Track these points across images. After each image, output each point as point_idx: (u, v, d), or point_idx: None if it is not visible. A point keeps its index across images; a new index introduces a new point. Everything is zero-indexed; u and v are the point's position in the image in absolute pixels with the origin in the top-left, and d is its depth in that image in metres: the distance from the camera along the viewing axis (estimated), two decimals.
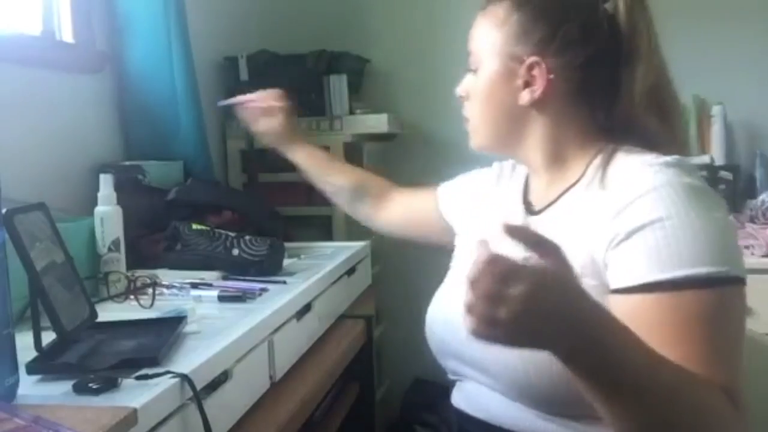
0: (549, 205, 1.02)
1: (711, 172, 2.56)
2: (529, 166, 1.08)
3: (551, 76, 0.98)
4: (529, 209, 1.06)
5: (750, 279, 0.85)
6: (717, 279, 0.81)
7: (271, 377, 1.14)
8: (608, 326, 0.73)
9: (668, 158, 0.91)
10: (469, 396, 1.02)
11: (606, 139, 0.99)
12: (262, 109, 1.49)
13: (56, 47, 1.70)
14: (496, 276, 0.66)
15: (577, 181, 0.99)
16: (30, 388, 0.79)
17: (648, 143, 0.96)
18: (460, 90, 1.08)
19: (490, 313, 0.66)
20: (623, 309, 0.81)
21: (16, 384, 0.76)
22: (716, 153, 2.64)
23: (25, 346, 0.82)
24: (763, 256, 2.17)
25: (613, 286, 0.86)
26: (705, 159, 2.62)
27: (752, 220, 2.29)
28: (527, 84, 1.00)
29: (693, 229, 0.83)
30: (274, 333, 1.16)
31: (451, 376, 1.07)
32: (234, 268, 1.41)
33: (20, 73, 1.51)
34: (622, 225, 0.86)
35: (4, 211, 0.81)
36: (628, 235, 0.85)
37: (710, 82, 2.70)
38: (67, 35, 1.74)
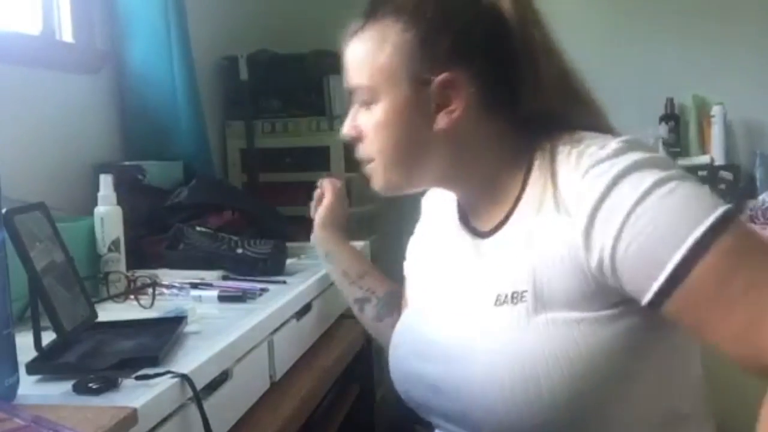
0: (497, 228, 0.92)
1: (711, 172, 2.56)
2: (458, 193, 1.00)
3: (470, 90, 0.88)
4: (476, 233, 0.97)
5: None
6: (721, 220, 0.76)
7: (271, 377, 1.14)
8: None
9: (606, 146, 0.83)
10: None
11: (531, 141, 0.91)
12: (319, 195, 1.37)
13: (56, 47, 1.70)
14: None
15: (520, 196, 0.90)
16: (30, 388, 0.79)
17: (568, 126, 0.89)
18: (351, 130, 0.95)
19: None
20: (677, 311, 0.77)
21: (16, 384, 0.76)
22: (716, 153, 2.64)
23: (25, 346, 0.82)
24: None
25: (644, 300, 0.78)
26: (705, 159, 2.63)
27: (752, 220, 2.29)
28: (440, 106, 0.89)
29: (668, 199, 0.78)
30: (274, 333, 1.16)
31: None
32: (238, 266, 1.41)
33: (20, 73, 1.51)
34: (600, 241, 0.79)
35: (4, 211, 0.80)
36: (614, 248, 0.78)
37: (710, 82, 2.71)
38: (67, 35, 1.74)
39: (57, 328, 0.87)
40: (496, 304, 0.87)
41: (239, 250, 1.43)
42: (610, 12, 2.79)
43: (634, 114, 2.77)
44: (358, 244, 1.79)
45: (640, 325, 0.82)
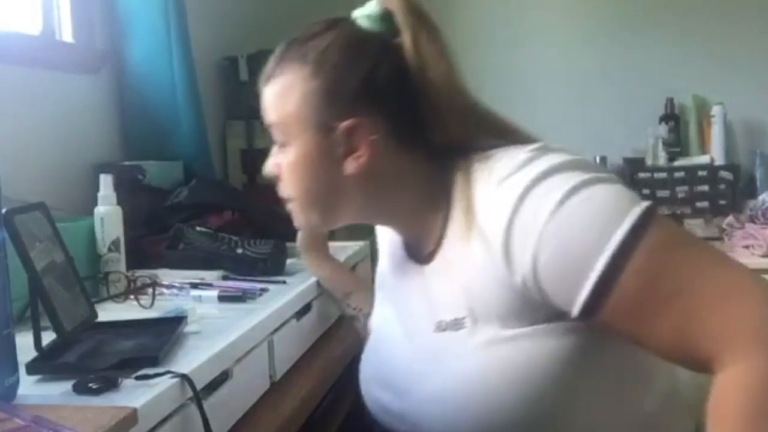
0: (432, 255, 0.93)
1: (711, 172, 2.56)
2: (387, 226, 1.01)
3: (373, 137, 0.89)
4: (414, 257, 0.98)
5: None
6: (639, 223, 0.75)
7: (271, 377, 1.14)
8: None
9: (515, 157, 0.83)
10: None
11: (447, 169, 0.91)
12: None
13: (56, 47, 1.70)
14: None
15: (446, 222, 0.90)
16: (30, 388, 0.79)
17: (481, 147, 0.89)
18: (271, 168, 0.96)
19: None
20: (609, 321, 0.76)
21: (16, 384, 0.76)
22: (716, 153, 2.64)
23: (25, 346, 0.82)
24: (763, 256, 2.17)
25: (574, 312, 0.78)
26: (705, 159, 2.63)
27: (752, 220, 2.29)
28: (348, 152, 0.89)
29: (582, 208, 0.76)
30: (274, 333, 1.16)
31: None
32: (238, 266, 1.41)
33: (20, 73, 1.51)
34: (519, 258, 0.78)
35: (4, 211, 0.80)
36: (534, 264, 0.77)
37: (710, 82, 2.71)
38: (67, 35, 1.74)
39: (57, 328, 0.87)
40: (438, 330, 0.89)
41: (239, 250, 1.44)
42: (610, 12, 2.79)
43: (634, 114, 2.78)
44: (358, 244, 1.80)
45: (578, 336, 0.81)
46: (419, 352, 0.92)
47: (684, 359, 0.76)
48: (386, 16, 0.91)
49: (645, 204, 0.77)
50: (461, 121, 0.90)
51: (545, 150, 0.84)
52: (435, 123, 0.90)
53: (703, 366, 0.74)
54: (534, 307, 0.81)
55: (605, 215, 0.76)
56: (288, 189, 0.95)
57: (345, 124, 0.88)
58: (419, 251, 0.96)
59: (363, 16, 0.92)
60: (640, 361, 0.87)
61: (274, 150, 0.96)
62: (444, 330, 0.88)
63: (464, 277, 0.86)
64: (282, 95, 0.91)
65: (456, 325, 0.86)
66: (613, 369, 0.85)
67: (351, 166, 0.90)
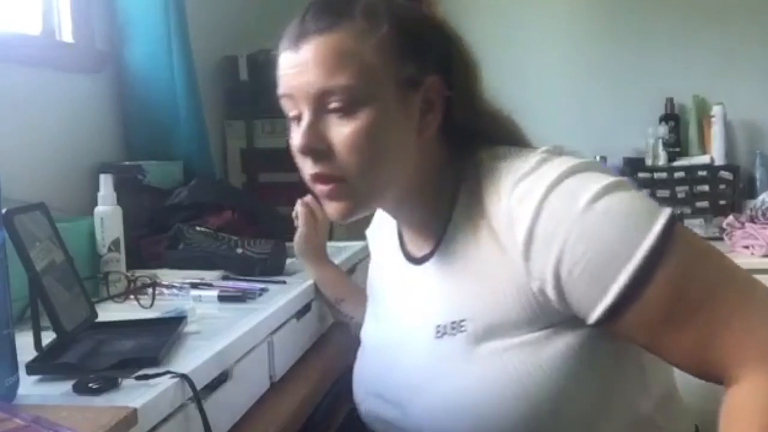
0: (431, 254, 0.90)
1: (711, 172, 2.56)
2: (400, 212, 0.94)
3: (448, 94, 0.84)
4: (410, 258, 0.94)
5: None
6: (665, 232, 0.74)
7: (271, 377, 1.14)
8: None
9: (528, 159, 0.81)
10: None
11: (456, 155, 0.88)
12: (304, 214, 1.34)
13: (56, 47, 1.70)
14: None
15: (449, 218, 0.87)
16: (30, 388, 0.79)
17: (490, 144, 0.87)
18: (316, 142, 0.82)
19: None
20: (627, 329, 0.76)
21: (16, 384, 0.76)
22: (716, 153, 2.64)
23: (25, 346, 0.82)
24: (764, 256, 2.17)
25: (590, 320, 0.77)
26: (705, 159, 2.63)
27: (752, 220, 2.29)
28: (423, 112, 0.84)
29: (607, 217, 0.75)
30: (274, 333, 1.16)
31: None
32: (238, 266, 1.41)
33: (20, 73, 1.51)
34: (541, 265, 0.77)
35: (4, 211, 0.80)
36: (557, 271, 0.76)
37: (710, 82, 2.71)
38: (67, 35, 1.74)
39: (57, 328, 0.87)
40: (436, 337, 0.86)
41: (239, 250, 1.43)
42: (610, 12, 2.79)
43: (634, 114, 2.78)
44: (358, 244, 1.80)
45: (582, 340, 0.80)
46: (417, 362, 0.89)
47: (698, 370, 0.76)
48: None
49: (667, 212, 0.76)
50: (480, 104, 0.88)
51: (556, 152, 0.83)
52: (464, 100, 0.86)
53: (717, 377, 0.74)
54: (545, 313, 0.79)
55: (631, 224, 0.75)
56: (347, 163, 0.82)
57: (432, 79, 0.82)
58: (416, 248, 0.94)
59: None
60: (643, 366, 0.86)
61: (311, 121, 0.82)
62: (442, 336, 0.85)
63: (469, 279, 0.84)
64: (355, 46, 0.80)
65: (454, 328, 0.84)
66: (614, 375, 0.84)
67: (431, 126, 0.84)
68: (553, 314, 0.80)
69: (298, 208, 1.36)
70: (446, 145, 0.89)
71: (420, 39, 0.84)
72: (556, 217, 0.76)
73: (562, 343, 0.80)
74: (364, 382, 1.01)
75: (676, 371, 0.84)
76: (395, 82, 0.82)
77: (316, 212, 1.35)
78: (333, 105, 0.81)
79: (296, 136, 0.84)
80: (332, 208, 0.87)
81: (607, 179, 0.78)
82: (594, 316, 0.76)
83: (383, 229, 1.07)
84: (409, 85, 0.83)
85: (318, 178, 0.85)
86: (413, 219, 0.93)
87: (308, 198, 1.35)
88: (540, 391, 0.80)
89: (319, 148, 0.83)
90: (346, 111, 0.81)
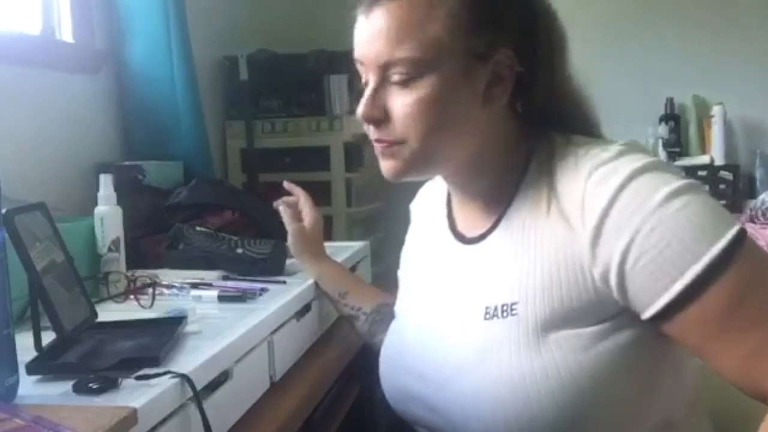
0: (486, 234, 0.89)
1: (711, 172, 2.56)
2: (463, 183, 0.93)
3: (520, 69, 0.83)
4: (460, 238, 0.93)
5: None
6: (735, 240, 0.74)
7: (271, 377, 1.14)
8: None
9: (607, 149, 0.81)
10: None
11: (529, 139, 0.88)
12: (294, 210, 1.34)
13: (56, 46, 1.70)
14: None
15: (511, 201, 0.87)
16: (30, 388, 0.79)
17: (564, 129, 0.87)
18: (374, 110, 0.85)
19: None
20: (680, 330, 0.76)
21: (16, 384, 0.76)
22: (716, 153, 2.64)
23: (25, 346, 0.82)
24: None
25: (646, 314, 0.77)
26: (705, 159, 2.63)
27: (752, 220, 2.29)
28: (490, 85, 0.83)
29: (682, 214, 0.75)
30: (274, 333, 1.15)
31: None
32: (237, 266, 1.41)
33: (20, 73, 1.51)
34: (608, 252, 0.77)
35: (4, 211, 0.80)
36: (623, 260, 0.76)
37: (710, 82, 2.71)
38: (66, 35, 1.74)
39: (57, 328, 0.87)
40: (485, 318, 0.85)
41: (239, 250, 1.43)
42: (610, 12, 2.79)
43: (634, 114, 2.78)
44: (358, 244, 1.80)
45: (630, 339, 0.80)
46: (464, 342, 0.86)
47: (742, 382, 0.76)
48: None
49: (739, 225, 0.77)
50: (562, 87, 0.87)
51: (636, 147, 0.83)
52: (545, 82, 0.86)
53: (760, 393, 0.74)
54: (601, 304, 0.79)
55: (707, 225, 0.75)
56: (405, 128, 0.84)
57: (501, 53, 0.82)
58: (469, 228, 0.93)
59: None
60: (681, 369, 0.86)
61: (373, 90, 0.85)
62: (491, 317, 0.83)
63: (526, 262, 0.82)
64: (422, 15, 0.80)
65: (504, 311, 0.82)
66: (654, 377, 0.83)
67: (500, 99, 0.84)
68: (607, 306, 0.79)
69: (281, 210, 1.35)
70: (519, 122, 0.89)
71: (495, 11, 0.83)
72: (631, 207, 0.76)
73: (611, 344, 0.79)
74: (393, 354, 0.99)
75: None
76: (463, 54, 0.82)
77: (305, 209, 1.35)
78: (396, 77, 0.83)
79: (360, 103, 0.87)
80: (385, 166, 0.89)
81: (684, 180, 0.78)
82: (653, 309, 0.76)
83: (427, 207, 1.05)
84: (477, 57, 0.82)
85: (378, 141, 0.88)
86: (476, 190, 0.91)
87: (285, 198, 1.36)
88: (577, 391, 0.79)
89: (378, 117, 0.86)
90: (408, 82, 0.83)
